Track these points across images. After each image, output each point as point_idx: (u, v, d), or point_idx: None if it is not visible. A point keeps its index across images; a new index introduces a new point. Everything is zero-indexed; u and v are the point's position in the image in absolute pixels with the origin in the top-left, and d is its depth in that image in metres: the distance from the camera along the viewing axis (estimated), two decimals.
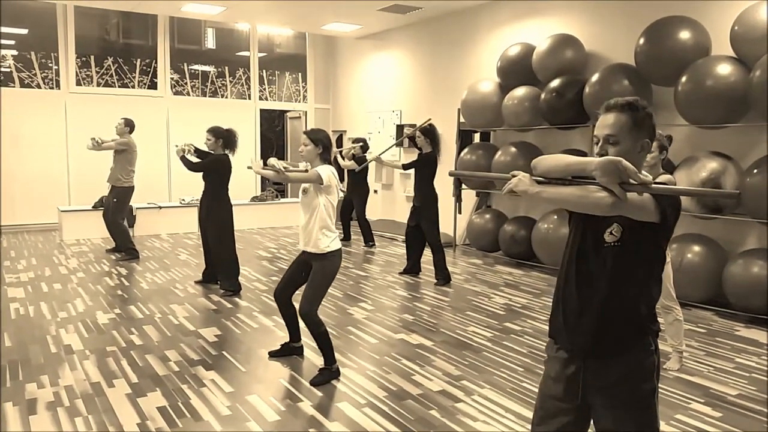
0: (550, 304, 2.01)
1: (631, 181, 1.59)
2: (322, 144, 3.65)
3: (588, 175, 1.67)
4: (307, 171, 3.70)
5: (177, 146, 5.76)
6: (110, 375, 3.70)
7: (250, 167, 4.08)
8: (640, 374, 1.78)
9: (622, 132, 1.74)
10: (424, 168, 6.19)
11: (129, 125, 7.22)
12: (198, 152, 5.77)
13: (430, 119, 6.45)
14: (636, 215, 1.66)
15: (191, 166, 5.66)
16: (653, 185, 1.60)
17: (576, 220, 1.86)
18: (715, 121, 5.31)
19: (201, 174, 5.70)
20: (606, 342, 1.78)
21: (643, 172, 1.69)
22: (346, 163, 8.10)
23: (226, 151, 5.62)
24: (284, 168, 3.74)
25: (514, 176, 1.81)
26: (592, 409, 1.84)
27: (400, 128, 9.96)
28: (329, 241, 3.62)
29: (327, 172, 3.57)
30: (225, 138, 5.59)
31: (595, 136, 1.80)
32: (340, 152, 8.11)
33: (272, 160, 3.76)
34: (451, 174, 2.33)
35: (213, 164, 5.57)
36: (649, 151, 1.81)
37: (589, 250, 1.79)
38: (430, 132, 6.16)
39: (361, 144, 8.30)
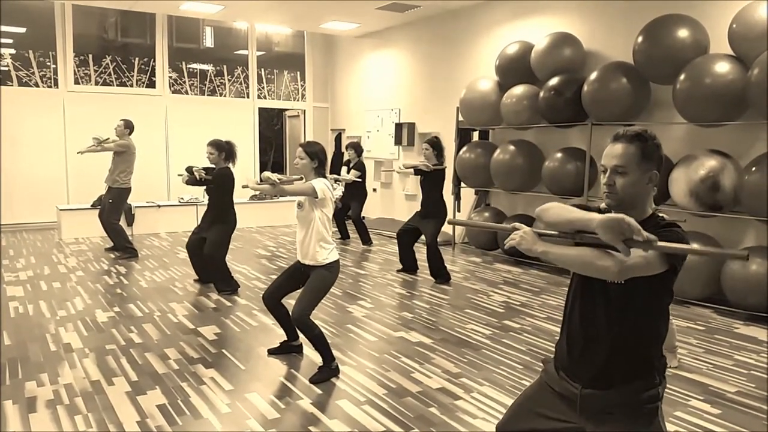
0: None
1: (635, 238, 1.55)
2: (318, 158, 3.71)
3: (591, 231, 1.64)
4: (301, 180, 3.77)
5: (181, 175, 5.82)
6: (110, 373, 3.70)
7: (245, 186, 4.14)
8: (639, 406, 1.76)
9: (630, 163, 1.72)
10: (436, 179, 6.23)
11: (129, 127, 7.21)
12: (203, 169, 5.74)
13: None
14: (644, 273, 1.63)
15: (197, 183, 5.68)
16: (658, 244, 1.54)
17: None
18: (713, 119, 5.32)
19: (204, 188, 5.75)
20: (608, 376, 1.77)
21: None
22: (350, 176, 8.21)
23: (228, 164, 5.62)
24: (279, 180, 3.79)
25: (516, 229, 1.79)
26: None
27: (399, 127, 9.96)
28: (327, 253, 3.68)
29: (321, 185, 3.62)
30: (227, 151, 5.59)
31: (603, 166, 1.79)
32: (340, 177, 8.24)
33: (266, 173, 3.82)
34: (450, 222, 2.34)
35: (219, 180, 5.56)
36: (657, 183, 1.78)
37: (594, 286, 1.77)
38: (438, 144, 6.19)
39: (355, 163, 8.38)
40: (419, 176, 6.36)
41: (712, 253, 1.57)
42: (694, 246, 1.57)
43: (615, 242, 1.57)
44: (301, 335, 4.08)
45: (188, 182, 5.72)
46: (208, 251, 5.59)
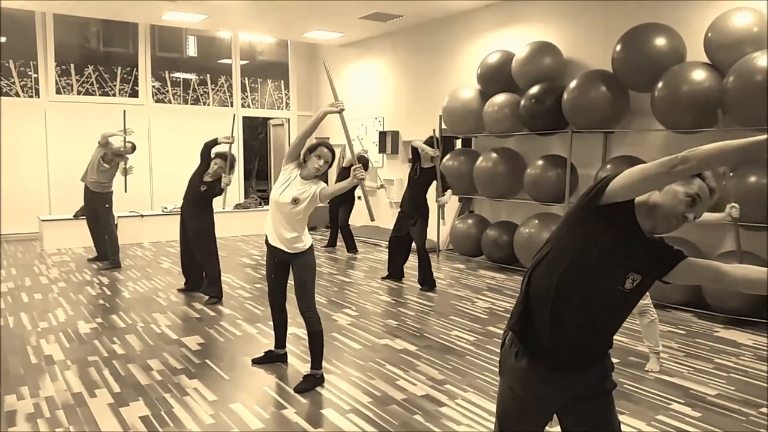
0: None
1: None
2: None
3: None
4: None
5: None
6: (92, 385, 3.67)
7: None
8: (607, 376, 1.92)
9: None
10: (426, 180, 6.28)
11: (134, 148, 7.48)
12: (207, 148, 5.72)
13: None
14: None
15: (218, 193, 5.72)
16: None
17: (606, 252, 1.74)
18: (690, 126, 5.42)
19: (193, 186, 5.72)
20: (588, 359, 1.87)
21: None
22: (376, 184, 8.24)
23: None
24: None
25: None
26: (562, 417, 1.93)
27: (383, 135, 9.99)
28: (306, 238, 3.74)
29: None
30: (230, 163, 5.68)
31: (698, 196, 1.72)
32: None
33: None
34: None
35: (222, 190, 5.67)
36: None
37: (605, 289, 1.77)
38: (433, 146, 6.22)
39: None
40: (414, 172, 6.35)
41: None
42: None
43: None
44: (289, 346, 4.10)
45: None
46: (198, 245, 5.64)
